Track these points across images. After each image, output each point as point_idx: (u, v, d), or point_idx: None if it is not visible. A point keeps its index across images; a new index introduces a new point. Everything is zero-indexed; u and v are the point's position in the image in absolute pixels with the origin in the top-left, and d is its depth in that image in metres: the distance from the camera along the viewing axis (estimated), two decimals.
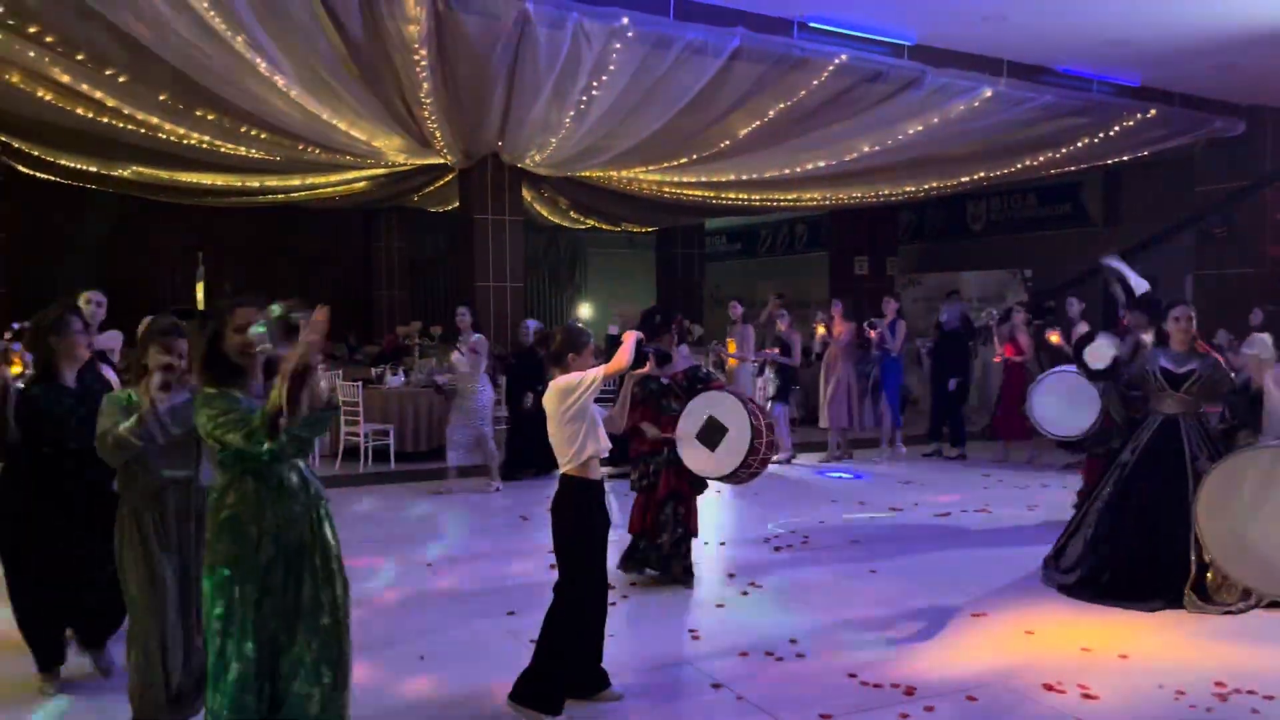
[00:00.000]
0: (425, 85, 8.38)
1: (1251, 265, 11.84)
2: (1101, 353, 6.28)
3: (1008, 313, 11.10)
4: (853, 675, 4.40)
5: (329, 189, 14.29)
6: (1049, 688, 4.27)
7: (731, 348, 11.00)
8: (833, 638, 4.98)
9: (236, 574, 3.07)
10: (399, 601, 5.65)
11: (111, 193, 14.06)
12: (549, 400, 3.95)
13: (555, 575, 4.01)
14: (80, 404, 4.08)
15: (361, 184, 13.97)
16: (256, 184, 13.37)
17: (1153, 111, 10.46)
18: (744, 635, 4.97)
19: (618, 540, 4.91)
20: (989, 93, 9.38)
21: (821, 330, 10.73)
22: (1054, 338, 10.06)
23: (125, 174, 12.46)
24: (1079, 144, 11.13)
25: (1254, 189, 11.44)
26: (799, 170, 11.70)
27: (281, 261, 17.85)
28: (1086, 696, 4.19)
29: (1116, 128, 10.72)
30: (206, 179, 12.80)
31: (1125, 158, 12.08)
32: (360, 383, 9.76)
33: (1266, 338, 9.89)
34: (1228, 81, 10.27)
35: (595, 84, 8.57)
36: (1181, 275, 13.09)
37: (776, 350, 10.47)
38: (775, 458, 8.06)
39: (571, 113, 9.25)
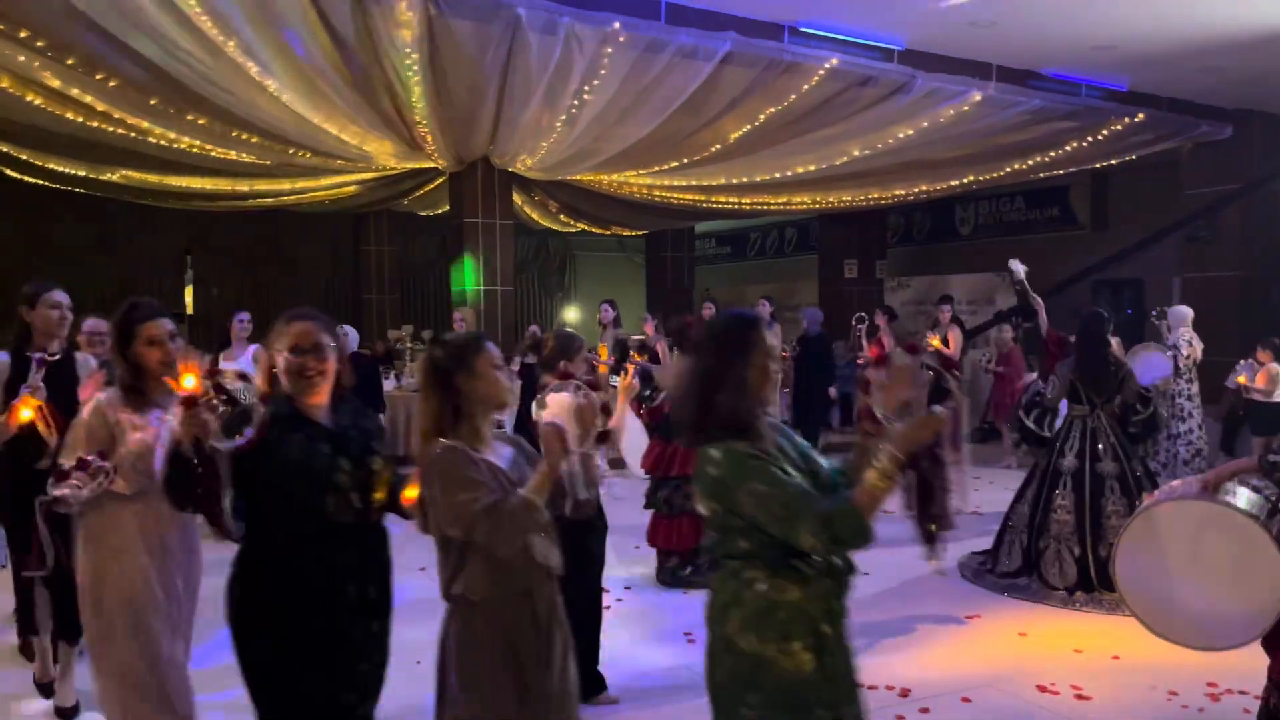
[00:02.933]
0: (417, 89, 8.38)
1: (1238, 269, 11.93)
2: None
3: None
4: None
5: (319, 193, 14.26)
6: (1042, 689, 4.31)
7: (604, 353, 10.28)
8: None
9: (820, 695, 2.29)
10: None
11: (100, 197, 14.00)
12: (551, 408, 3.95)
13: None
14: (340, 452, 2.69)
15: (352, 188, 13.95)
16: (246, 188, 13.33)
17: (1141, 115, 10.52)
18: None
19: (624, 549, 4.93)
20: (978, 97, 9.42)
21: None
22: (934, 341, 10.31)
23: (114, 178, 12.40)
24: (1068, 148, 11.19)
25: (1241, 193, 11.51)
26: (789, 174, 11.73)
27: (271, 265, 17.81)
28: (1080, 697, 4.23)
29: (1105, 131, 10.78)
30: (196, 183, 12.75)
31: (1113, 161, 12.15)
32: None
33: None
34: (1215, 85, 10.34)
35: (587, 88, 8.58)
36: (1169, 278, 13.18)
37: (645, 358, 9.97)
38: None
39: (563, 116, 9.25)
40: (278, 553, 2.58)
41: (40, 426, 3.79)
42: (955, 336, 10.54)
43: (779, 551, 2.25)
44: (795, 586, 2.27)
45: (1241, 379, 9.10)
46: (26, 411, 3.72)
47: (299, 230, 17.65)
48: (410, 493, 2.66)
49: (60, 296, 4.14)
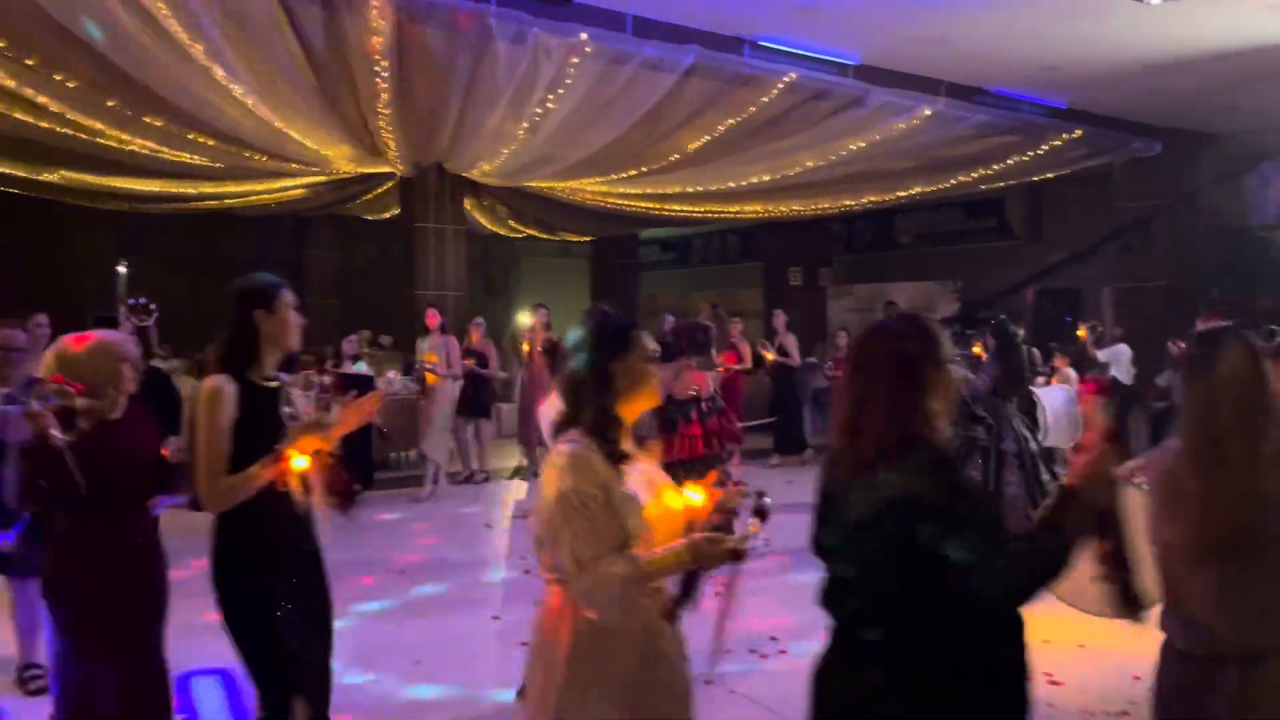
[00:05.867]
0: (384, 96, 8.40)
1: (1165, 278, 12.50)
2: None
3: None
4: None
5: (265, 195, 14.10)
6: None
7: (431, 359, 9.52)
8: (811, 635, 5.16)
9: None
10: (387, 612, 5.70)
11: (32, 198, 13.59)
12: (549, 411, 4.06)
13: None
14: None
15: (299, 191, 13.82)
16: (191, 190, 13.13)
17: (1078, 132, 10.99)
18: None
19: None
20: (928, 112, 9.75)
21: (526, 346, 10.36)
22: (768, 354, 11.24)
23: (53, 178, 12.10)
24: (1009, 161, 11.62)
25: (1169, 207, 12.08)
26: (744, 184, 11.98)
27: (209, 269, 17.40)
28: (1053, 683, 4.47)
29: (1045, 147, 11.23)
30: (140, 185, 12.51)
31: (1050, 175, 12.64)
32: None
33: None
34: (1148, 105, 10.86)
35: (551, 97, 8.69)
36: (1099, 288, 13.75)
37: (473, 362, 9.82)
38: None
39: (526, 124, 9.34)
40: None
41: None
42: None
43: None
44: None
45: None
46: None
47: (239, 234, 17.34)
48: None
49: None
